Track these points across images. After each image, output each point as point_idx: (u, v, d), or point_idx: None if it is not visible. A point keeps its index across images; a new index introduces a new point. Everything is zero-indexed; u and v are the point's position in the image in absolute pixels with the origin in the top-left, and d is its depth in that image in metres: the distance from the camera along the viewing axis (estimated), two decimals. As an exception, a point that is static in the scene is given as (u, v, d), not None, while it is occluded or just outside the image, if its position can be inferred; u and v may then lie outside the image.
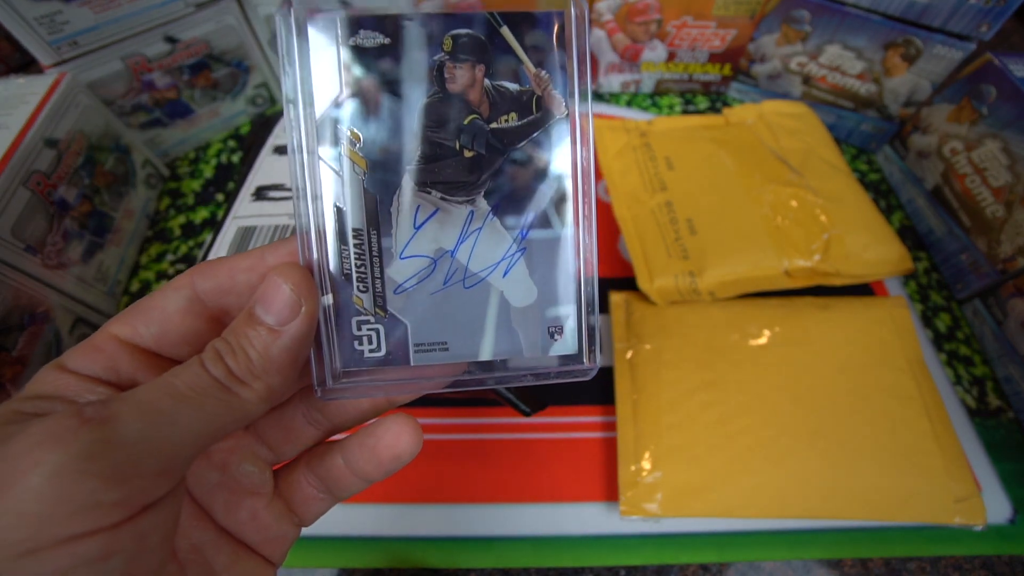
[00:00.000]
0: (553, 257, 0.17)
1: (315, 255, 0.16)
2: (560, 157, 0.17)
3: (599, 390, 0.39)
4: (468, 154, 0.17)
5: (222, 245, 0.42)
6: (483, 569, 0.33)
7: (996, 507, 0.35)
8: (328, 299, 0.16)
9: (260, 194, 0.44)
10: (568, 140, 0.17)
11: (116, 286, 0.44)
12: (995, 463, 0.38)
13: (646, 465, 0.35)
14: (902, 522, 0.34)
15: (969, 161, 0.45)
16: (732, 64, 0.58)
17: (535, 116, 0.17)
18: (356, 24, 0.16)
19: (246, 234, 0.43)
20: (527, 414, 0.34)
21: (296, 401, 0.19)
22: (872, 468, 0.34)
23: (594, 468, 0.36)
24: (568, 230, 0.17)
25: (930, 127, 0.49)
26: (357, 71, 0.16)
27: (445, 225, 0.17)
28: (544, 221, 0.17)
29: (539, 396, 0.35)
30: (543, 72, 0.16)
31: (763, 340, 0.39)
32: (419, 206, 0.17)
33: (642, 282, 0.41)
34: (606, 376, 0.39)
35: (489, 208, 0.17)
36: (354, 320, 0.17)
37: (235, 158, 0.54)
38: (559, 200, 0.17)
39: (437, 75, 0.16)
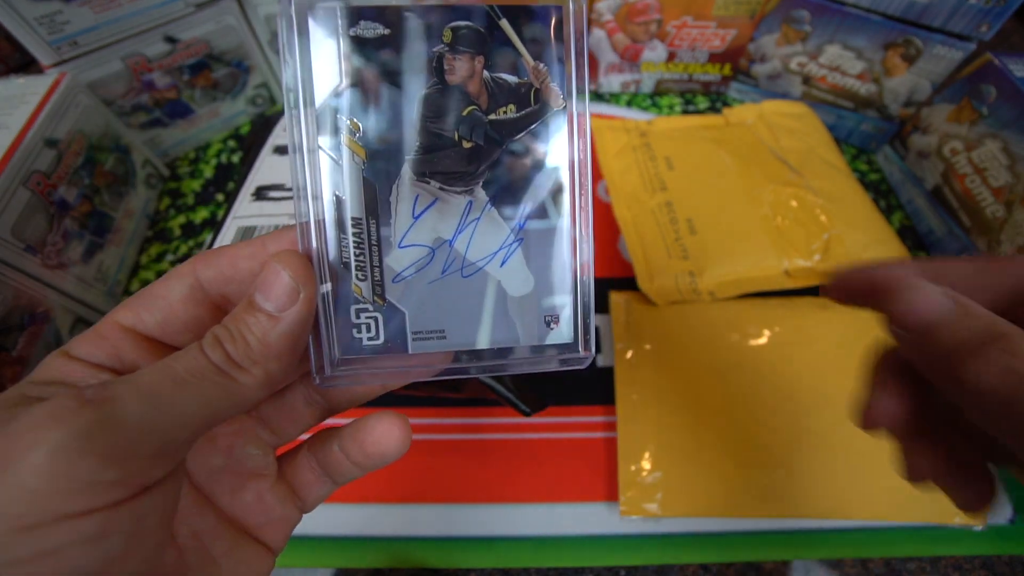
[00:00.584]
0: (550, 247, 0.18)
1: (314, 243, 0.16)
2: (557, 149, 0.17)
3: (599, 390, 0.39)
4: (467, 145, 0.17)
5: (222, 245, 0.42)
6: (483, 569, 0.33)
7: (996, 507, 0.35)
8: (327, 287, 0.16)
9: (260, 194, 0.44)
10: (565, 132, 0.17)
11: (116, 286, 0.44)
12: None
13: (646, 465, 0.35)
14: (902, 522, 0.34)
15: (969, 161, 0.45)
16: (732, 64, 0.58)
17: (533, 108, 0.17)
18: (356, 14, 0.16)
19: (246, 234, 0.43)
20: (527, 414, 0.34)
21: (297, 383, 0.19)
22: (872, 468, 0.34)
23: (594, 468, 0.36)
24: (565, 221, 0.18)
25: (930, 127, 0.49)
26: (357, 61, 0.16)
27: (444, 215, 0.17)
28: (541, 212, 0.18)
29: (539, 396, 0.35)
30: (541, 65, 0.17)
31: (763, 340, 0.39)
32: (418, 196, 0.17)
33: (642, 282, 0.41)
34: (606, 376, 0.39)
35: (487, 198, 0.17)
36: (353, 308, 0.17)
37: (235, 158, 0.54)
38: (556, 191, 0.18)
39: (436, 66, 0.16)
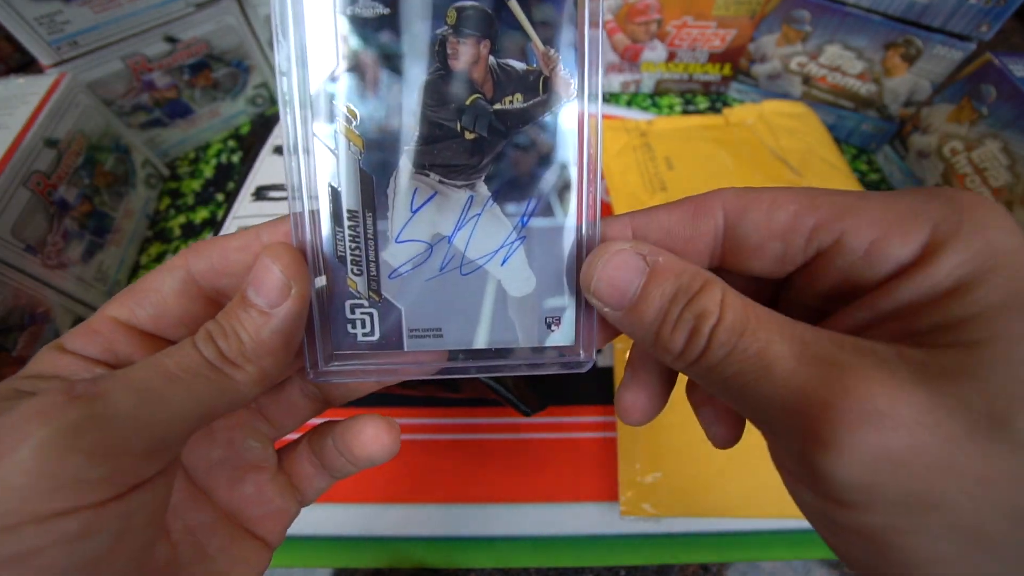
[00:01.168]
0: (554, 247, 0.17)
1: (309, 236, 0.16)
2: (566, 143, 0.16)
3: (599, 390, 0.39)
4: (469, 136, 0.16)
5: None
6: (483, 569, 0.33)
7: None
8: (321, 281, 0.16)
9: (260, 194, 0.44)
10: (575, 125, 0.16)
11: (116, 286, 0.44)
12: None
13: (646, 465, 0.35)
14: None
15: (969, 161, 0.45)
16: (732, 64, 0.58)
17: (541, 98, 0.16)
18: None
19: (246, 234, 0.43)
20: (527, 414, 0.34)
21: (295, 377, 0.19)
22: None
23: (594, 468, 0.36)
24: (571, 220, 0.17)
25: (930, 127, 0.49)
26: (355, 43, 0.15)
27: (443, 210, 0.16)
28: (546, 209, 0.17)
29: (539, 396, 0.35)
30: (552, 50, 0.15)
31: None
32: (417, 189, 0.16)
33: (642, 282, 0.41)
34: (606, 376, 0.39)
35: (489, 194, 0.16)
36: (348, 303, 0.16)
37: (235, 158, 0.54)
38: (563, 188, 0.16)
39: (439, 50, 0.15)
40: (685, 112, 0.61)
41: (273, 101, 0.57)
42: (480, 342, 0.17)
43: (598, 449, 0.37)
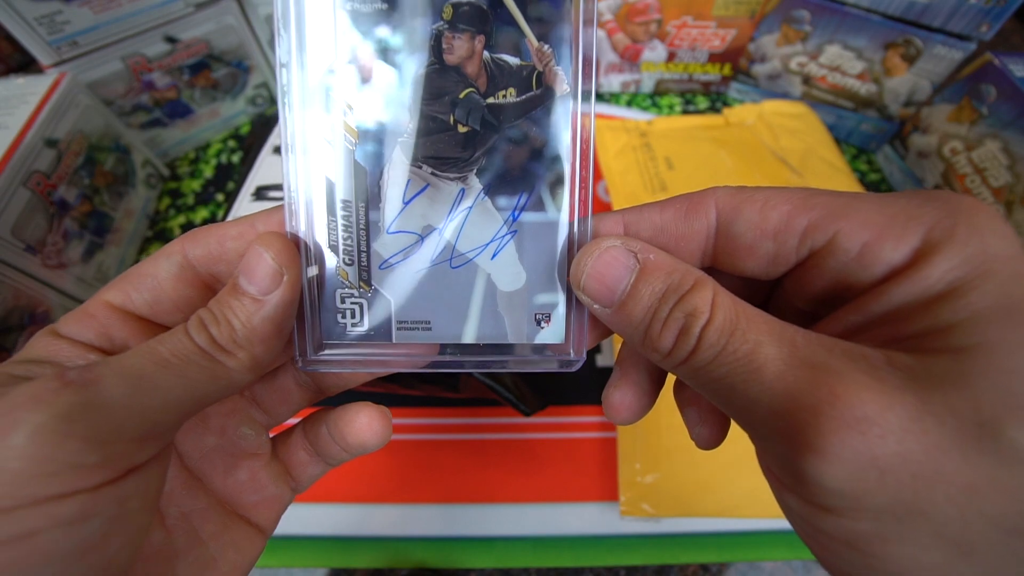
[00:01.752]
0: (545, 242, 0.17)
1: (302, 225, 0.16)
2: (559, 138, 0.16)
3: (599, 390, 0.39)
4: (462, 129, 0.16)
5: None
6: (483, 569, 0.33)
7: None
8: (313, 270, 0.16)
9: (260, 194, 0.44)
10: (568, 120, 0.16)
11: (116, 286, 0.44)
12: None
13: (646, 465, 0.35)
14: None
15: (969, 161, 0.45)
16: (732, 64, 0.58)
17: (535, 93, 0.16)
18: None
19: (246, 234, 0.43)
20: (527, 414, 0.34)
21: (288, 365, 0.19)
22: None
23: (594, 468, 0.36)
24: (563, 215, 0.17)
25: (930, 127, 0.49)
26: (353, 37, 0.15)
27: (435, 202, 0.16)
28: (538, 204, 0.17)
29: (539, 396, 0.35)
30: (546, 46, 0.16)
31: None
32: (409, 181, 0.16)
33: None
34: (606, 376, 0.39)
35: (481, 187, 0.16)
36: (338, 292, 0.16)
37: (235, 158, 0.54)
38: (555, 183, 0.16)
39: (435, 45, 0.15)
40: (685, 112, 0.61)
41: (273, 101, 0.57)
42: (469, 337, 0.17)
43: (598, 449, 0.37)
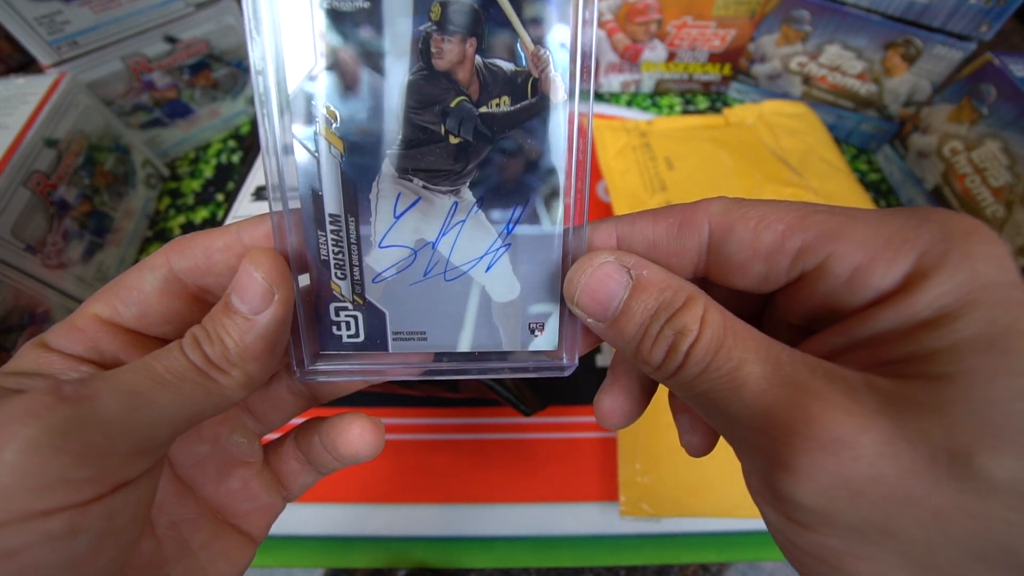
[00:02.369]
0: (539, 254, 0.16)
1: (291, 240, 0.15)
2: (554, 149, 0.15)
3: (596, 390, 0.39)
4: (454, 140, 0.15)
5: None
6: (483, 569, 0.33)
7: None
8: (305, 280, 0.16)
9: (260, 194, 0.44)
10: (564, 130, 0.15)
11: (116, 286, 0.44)
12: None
13: (646, 465, 0.35)
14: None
15: (969, 161, 0.45)
16: (732, 64, 0.58)
17: (530, 101, 0.15)
18: None
19: (246, 234, 0.43)
20: (527, 414, 0.34)
21: (282, 373, 0.19)
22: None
23: (594, 468, 0.36)
24: (558, 228, 0.16)
25: (930, 127, 0.49)
26: (333, 40, 0.14)
27: (427, 215, 0.16)
28: (532, 216, 0.16)
29: (539, 396, 0.35)
30: (542, 50, 0.15)
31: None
32: (400, 194, 0.15)
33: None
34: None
35: (474, 200, 0.16)
36: (332, 306, 0.16)
37: (235, 158, 0.54)
38: (550, 195, 0.16)
39: (423, 48, 0.14)
40: (685, 112, 0.61)
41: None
42: (464, 346, 0.17)
43: (598, 449, 0.37)
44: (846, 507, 0.11)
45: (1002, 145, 0.42)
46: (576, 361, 0.18)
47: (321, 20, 0.14)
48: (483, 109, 0.15)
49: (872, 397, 0.12)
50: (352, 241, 0.16)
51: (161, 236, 0.48)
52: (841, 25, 0.50)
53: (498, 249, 0.16)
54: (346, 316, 0.16)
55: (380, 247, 0.16)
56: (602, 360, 0.41)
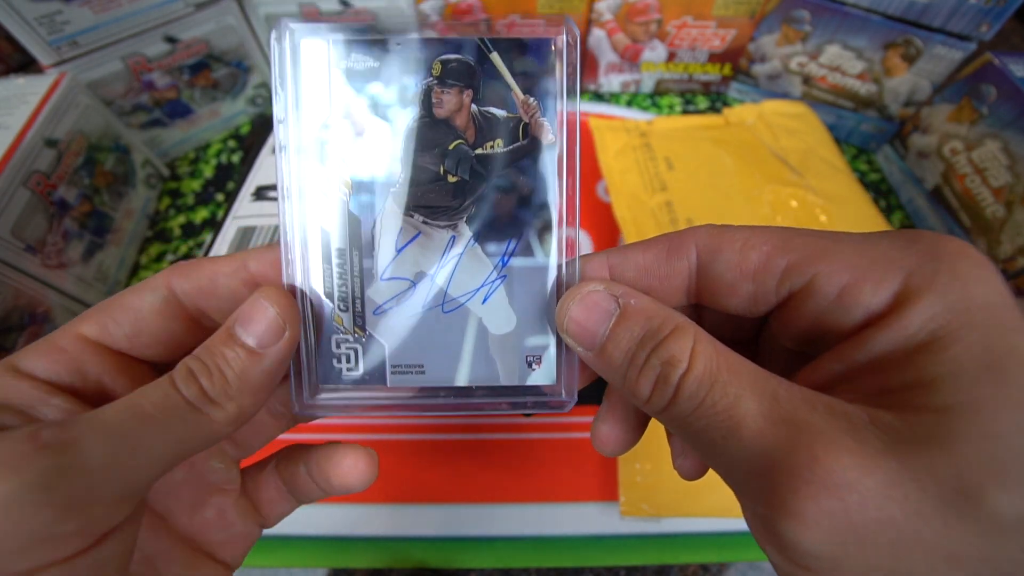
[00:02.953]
0: (534, 286, 0.17)
1: (299, 275, 0.16)
2: (546, 185, 0.17)
3: (599, 390, 0.39)
4: (452, 179, 0.17)
5: (222, 245, 0.43)
6: (483, 569, 0.33)
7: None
8: (309, 314, 0.17)
9: (260, 194, 0.44)
10: (554, 168, 0.17)
11: (116, 286, 0.44)
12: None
13: (646, 465, 0.35)
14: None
15: (969, 161, 0.45)
16: (732, 64, 0.58)
17: (521, 143, 0.17)
18: (349, 48, 0.16)
19: (246, 234, 0.43)
20: (527, 415, 0.34)
21: None
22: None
23: (594, 468, 0.36)
24: (551, 259, 0.17)
25: (930, 127, 0.49)
26: (347, 93, 0.16)
27: (426, 249, 0.17)
28: (526, 249, 0.17)
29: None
30: (531, 99, 0.16)
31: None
32: (401, 229, 0.17)
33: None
34: (606, 376, 0.39)
35: (471, 234, 0.17)
36: (334, 338, 0.17)
37: (235, 158, 0.54)
38: (543, 229, 0.17)
39: (424, 99, 0.16)
40: (685, 112, 0.61)
41: (273, 101, 0.57)
42: (461, 379, 0.18)
43: (598, 449, 0.37)
44: (853, 552, 0.11)
45: (1002, 145, 0.42)
46: (575, 396, 0.18)
47: (338, 77, 0.16)
48: (479, 151, 0.17)
49: (875, 434, 0.11)
50: (355, 274, 0.17)
51: (161, 236, 0.48)
52: (841, 25, 0.50)
53: (494, 281, 0.17)
54: (347, 348, 0.17)
55: (382, 279, 0.17)
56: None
